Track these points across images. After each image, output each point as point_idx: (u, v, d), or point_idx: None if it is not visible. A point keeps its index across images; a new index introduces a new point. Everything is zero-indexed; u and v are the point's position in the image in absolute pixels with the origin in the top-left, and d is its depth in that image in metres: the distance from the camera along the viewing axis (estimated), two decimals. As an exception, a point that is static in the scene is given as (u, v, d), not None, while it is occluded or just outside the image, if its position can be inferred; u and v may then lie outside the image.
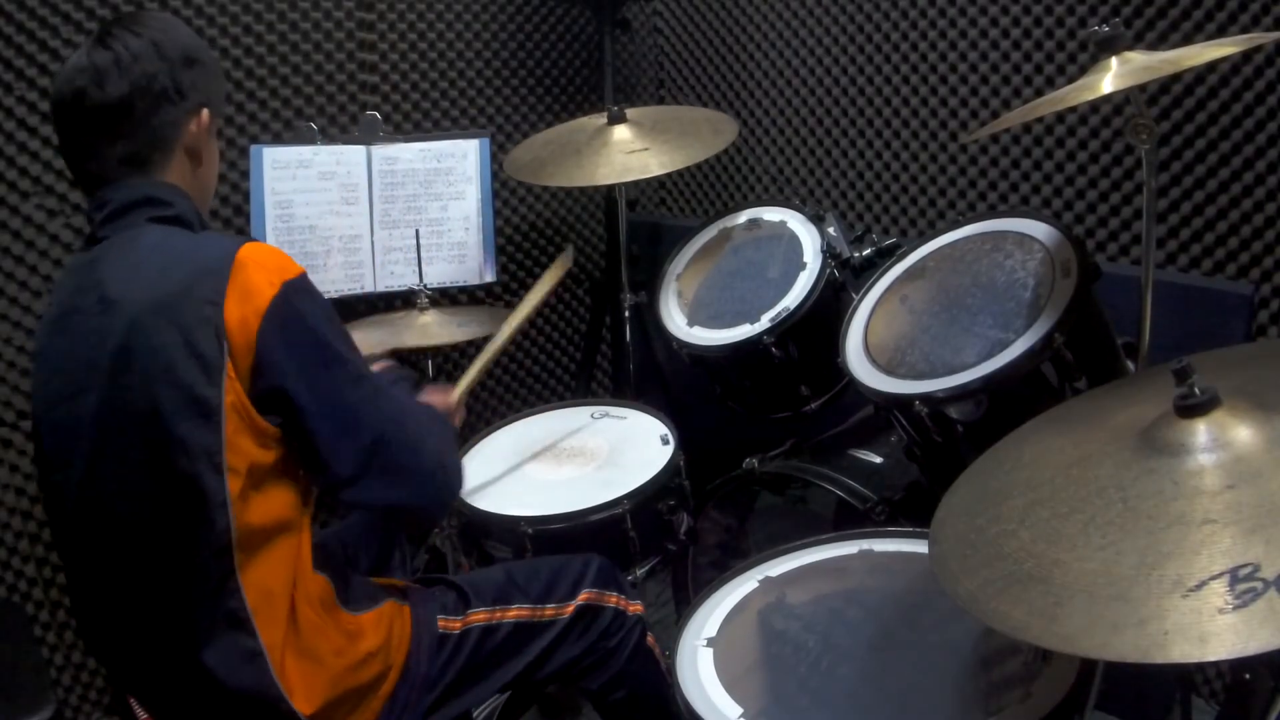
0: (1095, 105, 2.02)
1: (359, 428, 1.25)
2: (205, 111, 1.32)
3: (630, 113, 2.18)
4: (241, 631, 1.21)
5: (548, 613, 1.52)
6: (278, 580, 1.24)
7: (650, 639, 1.63)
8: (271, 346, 1.17)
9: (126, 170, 1.26)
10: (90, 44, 1.26)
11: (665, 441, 1.95)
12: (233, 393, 1.16)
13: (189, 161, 1.32)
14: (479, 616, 1.48)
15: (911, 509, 1.69)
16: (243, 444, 1.18)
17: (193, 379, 1.15)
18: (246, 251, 1.20)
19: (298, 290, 1.21)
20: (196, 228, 1.29)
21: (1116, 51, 1.32)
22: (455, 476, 1.42)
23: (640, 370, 2.47)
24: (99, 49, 1.24)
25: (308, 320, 1.22)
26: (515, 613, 1.51)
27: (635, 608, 1.61)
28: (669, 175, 3.08)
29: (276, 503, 1.23)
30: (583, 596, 1.55)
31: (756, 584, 1.40)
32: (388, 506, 1.36)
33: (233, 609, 1.20)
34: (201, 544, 1.18)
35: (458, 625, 1.46)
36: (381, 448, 1.27)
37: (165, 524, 1.18)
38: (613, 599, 1.58)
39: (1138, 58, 1.31)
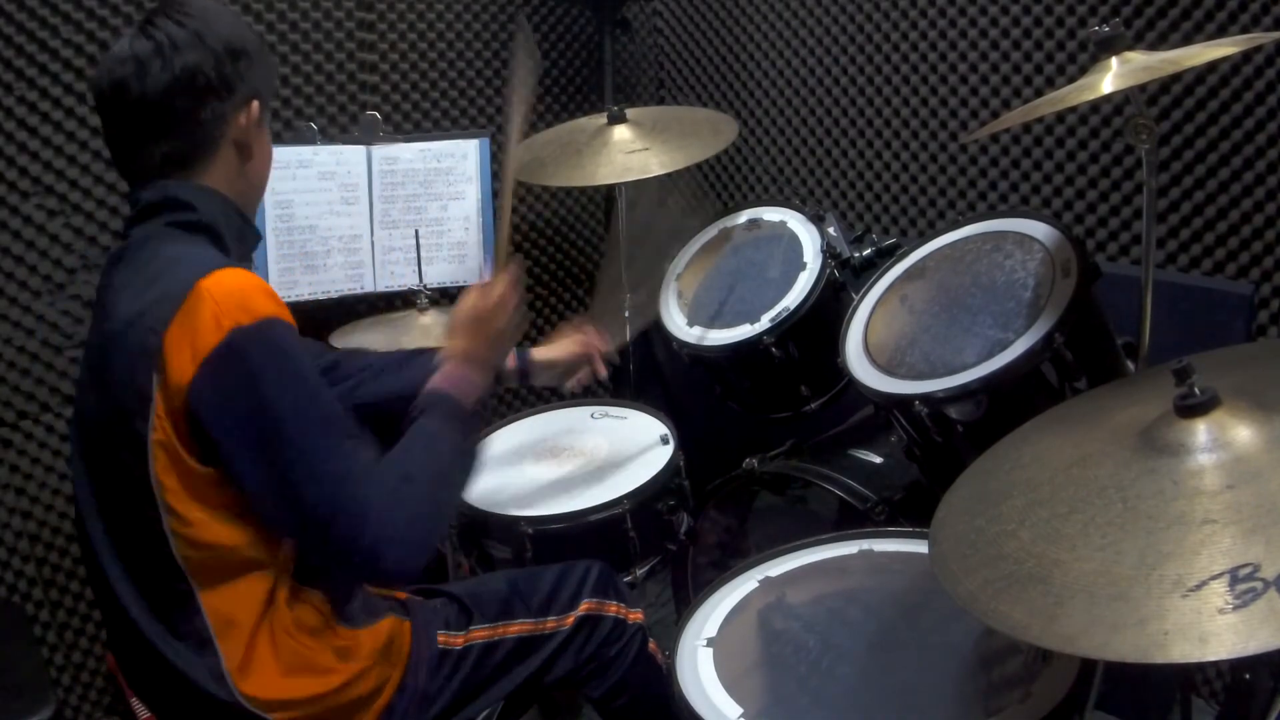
0: (1095, 105, 2.01)
1: (296, 505, 1.12)
2: (255, 104, 1.26)
3: (630, 113, 2.18)
4: (206, 651, 1.19)
5: (549, 625, 1.51)
6: (242, 613, 1.20)
7: (652, 645, 1.62)
8: (205, 401, 1.09)
9: (167, 169, 1.22)
10: (133, 32, 1.21)
11: (665, 441, 1.95)
12: (161, 430, 1.10)
13: (237, 156, 1.26)
14: (481, 634, 1.46)
15: (911, 509, 1.69)
16: (171, 481, 1.12)
17: (130, 409, 1.11)
18: (209, 282, 1.11)
19: (248, 339, 1.10)
20: (221, 232, 1.23)
21: (1116, 51, 1.32)
22: (416, 549, 1.18)
23: (640, 370, 2.47)
24: (141, 38, 1.19)
25: (250, 377, 1.10)
26: (517, 628, 1.48)
27: (635, 616, 1.60)
28: (669, 175, 3.08)
29: (227, 539, 1.16)
30: (583, 607, 1.53)
31: (756, 584, 1.40)
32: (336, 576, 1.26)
33: (198, 628, 1.18)
34: (157, 566, 1.17)
35: (459, 641, 1.44)
36: (319, 528, 1.13)
37: (125, 541, 1.18)
38: (613, 608, 1.57)
39: (1138, 58, 1.31)
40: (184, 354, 1.09)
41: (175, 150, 1.22)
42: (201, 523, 1.15)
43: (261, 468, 1.11)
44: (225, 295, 1.11)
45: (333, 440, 1.15)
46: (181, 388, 1.09)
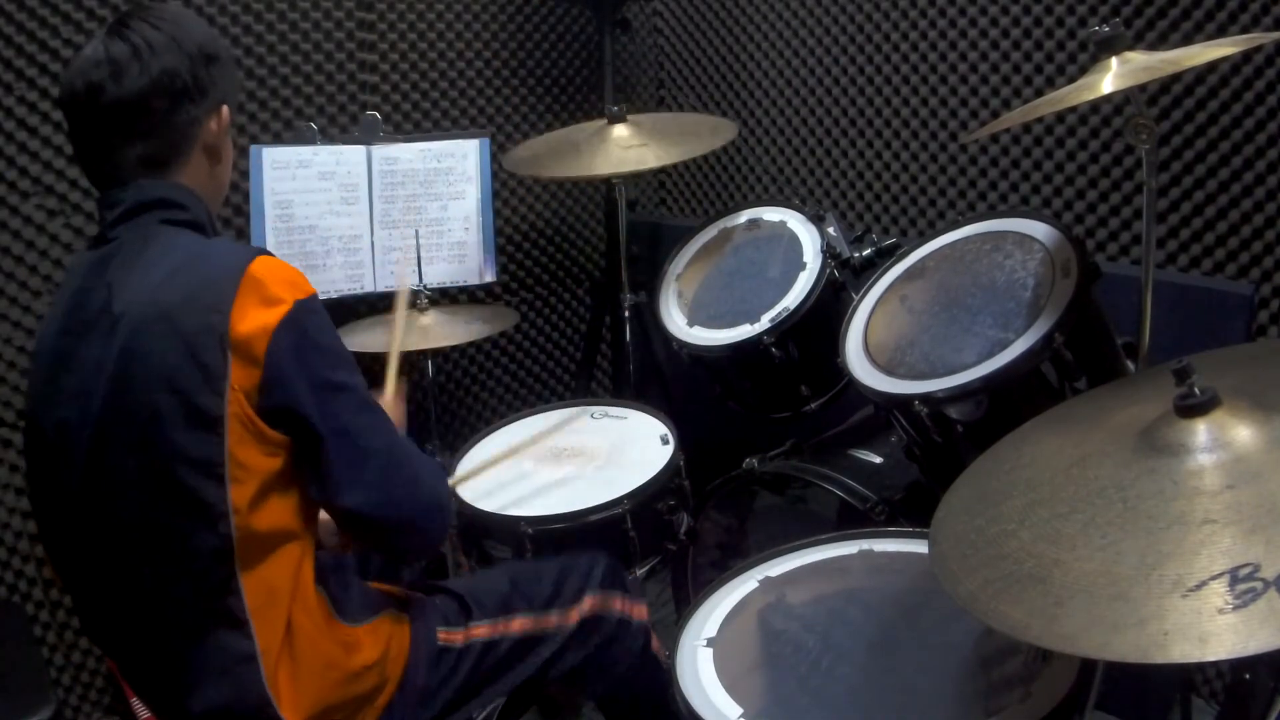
0: (1095, 105, 2.02)
1: (367, 456, 1.23)
2: (225, 109, 1.28)
3: (630, 116, 2.19)
4: (238, 632, 1.19)
5: (551, 621, 1.49)
6: (281, 581, 1.22)
7: (655, 643, 1.61)
8: (282, 365, 1.15)
9: (143, 171, 1.23)
10: (105, 36, 1.21)
11: (665, 441, 1.94)
12: (236, 403, 1.13)
13: (207, 161, 1.28)
14: (481, 630, 1.45)
15: (911, 509, 1.69)
16: (247, 454, 1.15)
17: (194, 388, 1.12)
18: (260, 264, 1.17)
19: (308, 310, 1.18)
20: (209, 232, 1.26)
21: (1116, 51, 1.32)
22: (448, 508, 1.38)
23: (640, 370, 2.47)
24: (116, 41, 1.20)
25: (319, 341, 1.19)
26: (519, 624, 1.47)
27: (640, 613, 1.58)
28: (669, 175, 3.09)
29: (283, 509, 1.21)
30: (587, 603, 1.52)
31: (756, 584, 1.40)
32: (391, 529, 1.30)
33: (231, 608, 1.18)
34: (201, 549, 1.16)
35: (459, 638, 1.43)
36: (388, 473, 1.25)
37: (164, 528, 1.17)
38: (618, 604, 1.55)
39: (1138, 58, 1.31)
40: (254, 328, 1.14)
41: (150, 152, 1.22)
42: (269, 489, 1.18)
43: (335, 420, 1.20)
44: (280, 274, 1.18)
45: (369, 391, 1.28)
46: (257, 358, 1.14)
